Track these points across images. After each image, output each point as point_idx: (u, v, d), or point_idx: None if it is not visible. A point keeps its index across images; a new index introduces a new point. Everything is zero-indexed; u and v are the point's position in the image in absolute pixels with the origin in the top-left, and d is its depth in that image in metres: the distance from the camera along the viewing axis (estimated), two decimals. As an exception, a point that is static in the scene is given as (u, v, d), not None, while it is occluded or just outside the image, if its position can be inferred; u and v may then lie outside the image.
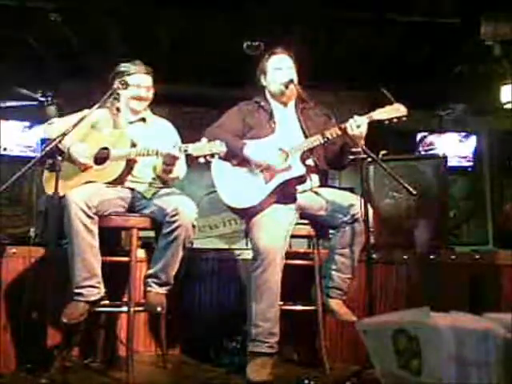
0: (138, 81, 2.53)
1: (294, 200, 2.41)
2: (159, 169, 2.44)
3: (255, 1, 3.84)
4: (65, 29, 4.19)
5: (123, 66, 2.55)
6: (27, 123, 5.23)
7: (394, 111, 2.25)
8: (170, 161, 2.32)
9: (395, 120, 2.25)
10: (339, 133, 2.28)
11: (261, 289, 2.18)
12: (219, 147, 2.14)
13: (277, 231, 2.23)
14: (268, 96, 2.59)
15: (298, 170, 2.33)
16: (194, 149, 2.17)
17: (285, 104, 2.57)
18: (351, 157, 2.40)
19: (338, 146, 2.44)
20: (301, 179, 2.37)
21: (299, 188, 2.43)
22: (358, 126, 2.22)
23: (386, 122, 2.26)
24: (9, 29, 4.05)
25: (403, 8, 3.83)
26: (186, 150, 2.20)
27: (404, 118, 2.25)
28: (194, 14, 4.07)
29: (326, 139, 2.32)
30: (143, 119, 2.63)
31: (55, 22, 3.97)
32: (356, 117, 2.25)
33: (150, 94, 2.60)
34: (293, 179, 2.34)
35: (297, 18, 4.07)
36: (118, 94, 2.53)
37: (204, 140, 2.17)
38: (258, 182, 2.36)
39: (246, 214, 2.37)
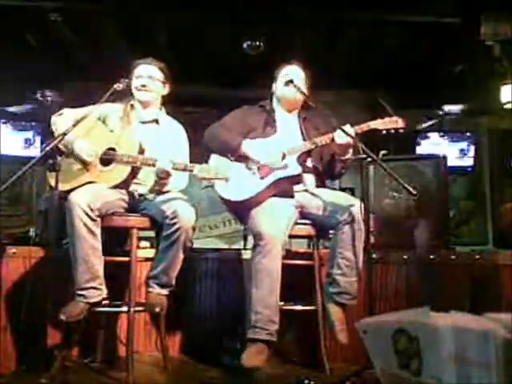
0: (139, 71, 2.54)
1: (291, 196, 2.44)
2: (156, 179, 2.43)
3: (255, 1, 3.84)
4: (65, 29, 4.19)
5: (134, 62, 2.58)
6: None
7: (392, 123, 2.34)
8: (162, 174, 2.33)
9: (392, 131, 2.34)
10: (326, 141, 2.37)
11: (261, 275, 2.18)
12: (224, 173, 2.19)
13: (278, 220, 2.26)
14: (275, 102, 2.66)
15: (294, 169, 2.40)
16: (199, 170, 2.21)
17: (289, 111, 2.63)
18: (351, 157, 2.43)
19: (331, 153, 2.50)
20: (296, 179, 2.42)
21: (295, 188, 2.47)
22: (344, 135, 2.27)
23: (384, 132, 2.35)
24: (9, 29, 4.05)
25: (403, 8, 3.83)
26: (191, 171, 2.24)
27: (401, 130, 2.29)
28: (193, 14, 4.06)
29: (316, 145, 2.40)
30: (156, 121, 2.60)
31: (55, 22, 3.97)
32: (343, 127, 2.29)
33: (155, 85, 2.56)
34: (288, 178, 2.39)
35: (297, 17, 4.07)
36: (130, 91, 2.53)
37: (211, 163, 2.23)
38: (253, 177, 2.42)
39: (241, 209, 2.39)
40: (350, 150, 2.37)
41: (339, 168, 2.52)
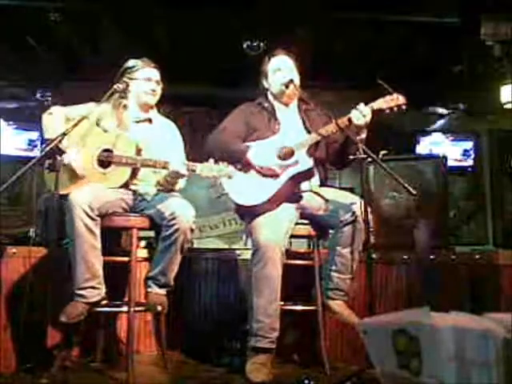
0: (148, 74, 2.53)
1: (300, 198, 2.42)
2: (162, 180, 2.44)
3: (255, 1, 3.84)
4: (65, 29, 4.19)
5: (132, 62, 2.55)
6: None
7: (393, 101, 2.29)
8: (175, 176, 2.34)
9: (395, 109, 2.29)
10: (346, 123, 2.30)
11: (261, 284, 2.19)
12: (227, 172, 2.17)
13: (277, 227, 2.25)
14: (270, 97, 2.61)
15: (306, 163, 2.35)
16: (201, 169, 2.19)
17: (287, 105, 2.59)
18: (351, 157, 2.42)
19: (340, 144, 2.47)
20: (309, 173, 2.38)
21: (306, 186, 2.46)
22: (363, 115, 2.26)
23: (387, 111, 2.30)
24: (9, 29, 4.06)
25: (403, 8, 3.83)
26: (193, 170, 2.22)
27: (404, 107, 2.29)
28: (194, 13, 4.07)
29: (328, 133, 2.35)
30: (149, 120, 2.61)
31: (55, 22, 3.98)
32: (360, 106, 2.28)
33: (160, 89, 2.59)
34: (301, 173, 2.35)
35: (297, 17, 4.07)
36: (125, 91, 2.51)
37: (211, 161, 2.18)
38: (266, 179, 2.37)
39: (256, 212, 2.35)
40: (365, 131, 2.32)
41: (348, 156, 2.46)
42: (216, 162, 2.19)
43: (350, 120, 2.28)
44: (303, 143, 2.37)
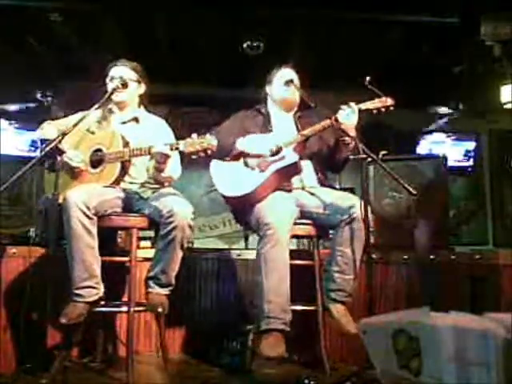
0: (111, 74, 2.55)
1: (291, 184, 2.48)
2: (152, 169, 2.43)
3: (255, 1, 3.84)
4: (65, 29, 4.19)
5: (108, 65, 2.58)
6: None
7: (381, 102, 2.35)
8: (161, 159, 2.30)
9: (383, 109, 2.35)
10: (328, 124, 2.37)
11: (271, 264, 2.18)
12: (210, 141, 2.13)
13: (283, 211, 2.28)
14: (270, 104, 2.69)
15: (291, 158, 2.40)
16: (184, 145, 2.16)
17: (286, 112, 2.66)
18: (351, 157, 2.44)
19: (331, 148, 2.52)
20: (295, 168, 2.42)
21: (297, 184, 2.49)
22: (347, 114, 2.31)
23: (375, 112, 2.36)
24: (9, 29, 4.06)
25: (403, 8, 3.83)
26: (177, 148, 2.20)
27: (391, 108, 2.34)
28: (193, 14, 4.07)
29: (315, 131, 2.42)
30: (136, 119, 2.62)
31: (55, 22, 3.98)
32: (346, 106, 2.34)
33: (127, 85, 2.53)
34: (286, 167, 2.40)
35: (297, 18, 4.07)
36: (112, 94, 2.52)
37: (194, 135, 2.16)
38: (253, 172, 2.43)
39: (245, 204, 2.38)
40: (354, 131, 2.35)
41: (343, 154, 2.49)
42: (199, 136, 2.17)
43: (336, 119, 2.34)
44: (291, 141, 2.44)
